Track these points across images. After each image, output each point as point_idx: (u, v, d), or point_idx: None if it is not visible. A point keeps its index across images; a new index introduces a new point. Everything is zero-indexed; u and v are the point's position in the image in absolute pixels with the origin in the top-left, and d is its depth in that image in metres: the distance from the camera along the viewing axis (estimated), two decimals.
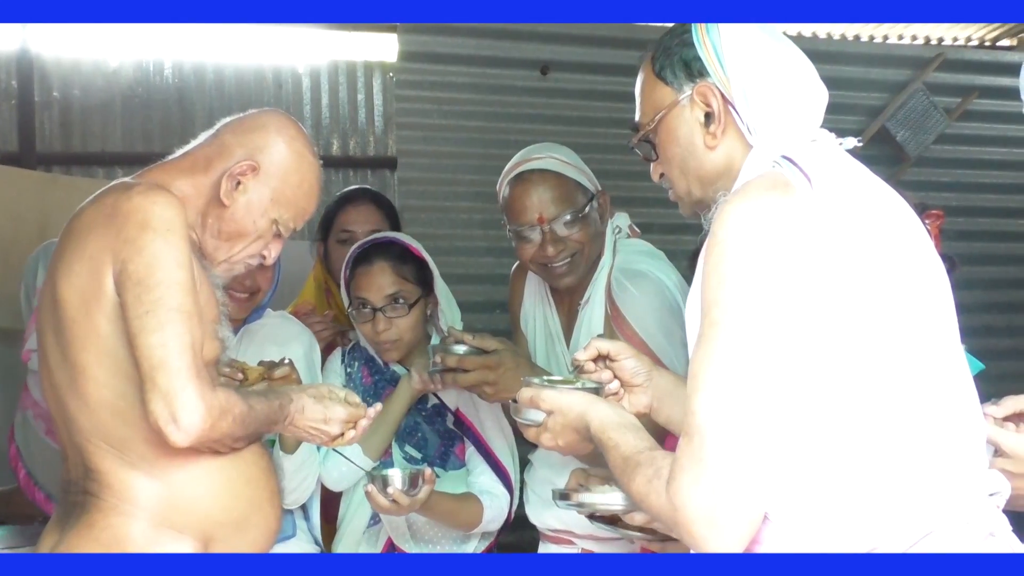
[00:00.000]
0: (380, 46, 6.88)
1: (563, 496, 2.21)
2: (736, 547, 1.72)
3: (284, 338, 3.31)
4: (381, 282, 3.31)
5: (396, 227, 4.03)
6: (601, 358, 2.26)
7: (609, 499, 2.06)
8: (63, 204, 5.05)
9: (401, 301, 3.30)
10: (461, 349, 3.05)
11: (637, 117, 2.11)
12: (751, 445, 1.70)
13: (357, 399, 2.57)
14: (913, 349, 1.80)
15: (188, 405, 2.14)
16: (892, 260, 1.82)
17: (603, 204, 3.20)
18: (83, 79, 6.56)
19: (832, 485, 1.75)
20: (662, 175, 2.10)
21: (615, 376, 2.24)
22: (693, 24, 2.03)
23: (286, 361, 2.91)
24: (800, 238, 1.75)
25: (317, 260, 4.14)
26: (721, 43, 1.99)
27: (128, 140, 6.66)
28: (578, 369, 2.24)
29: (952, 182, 6.42)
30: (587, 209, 3.14)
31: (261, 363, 2.91)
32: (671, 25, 2.10)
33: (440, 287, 3.40)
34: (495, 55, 5.66)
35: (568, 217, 3.12)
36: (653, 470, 1.80)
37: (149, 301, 2.18)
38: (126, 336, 2.22)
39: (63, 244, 2.35)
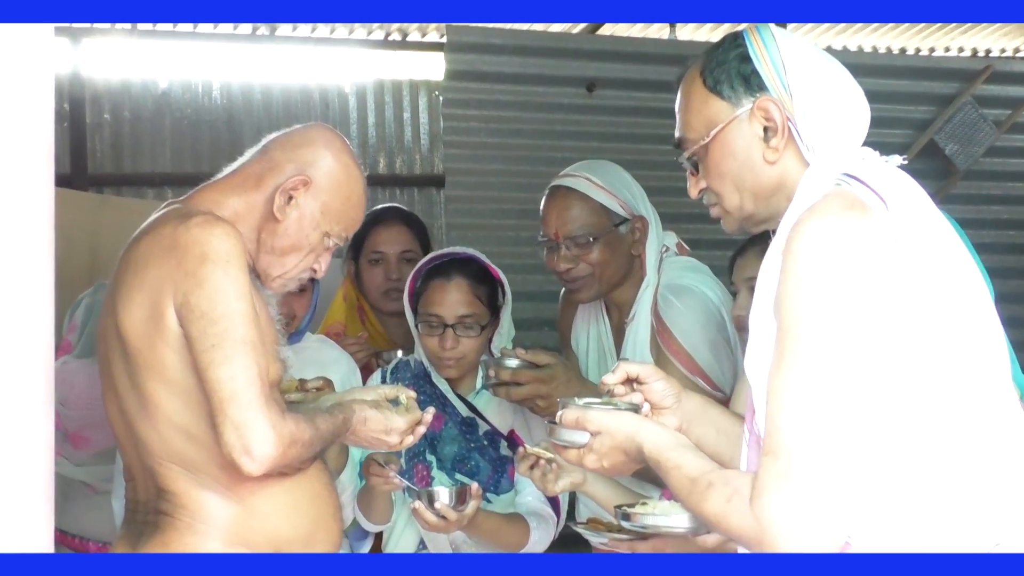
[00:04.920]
0: (426, 65, 6.91)
1: (625, 516, 2.20)
2: None
3: (324, 362, 3.31)
4: (457, 299, 3.29)
5: (427, 246, 4.04)
6: (630, 381, 2.24)
7: (675, 520, 2.03)
8: (114, 225, 5.10)
9: (473, 322, 3.29)
10: (514, 363, 3.08)
11: (679, 132, 2.08)
12: (837, 464, 1.71)
13: (412, 396, 2.63)
14: (974, 367, 1.81)
15: (260, 436, 2.19)
16: (955, 280, 1.84)
17: (639, 229, 3.22)
18: (133, 101, 6.62)
19: (904, 502, 1.76)
20: (703, 190, 2.08)
21: (645, 398, 2.23)
22: (746, 37, 2.02)
23: (315, 380, 2.91)
24: (878, 258, 1.75)
25: (348, 279, 4.13)
26: (781, 57, 1.98)
27: (178, 160, 6.72)
28: (608, 392, 2.23)
29: (1003, 195, 6.36)
30: (609, 233, 3.17)
31: (301, 381, 2.92)
32: (718, 40, 2.10)
33: (507, 312, 3.38)
34: (541, 73, 5.67)
35: (581, 238, 3.18)
36: (731, 489, 1.79)
37: (214, 335, 2.21)
38: (193, 367, 2.25)
39: (121, 273, 2.37)
